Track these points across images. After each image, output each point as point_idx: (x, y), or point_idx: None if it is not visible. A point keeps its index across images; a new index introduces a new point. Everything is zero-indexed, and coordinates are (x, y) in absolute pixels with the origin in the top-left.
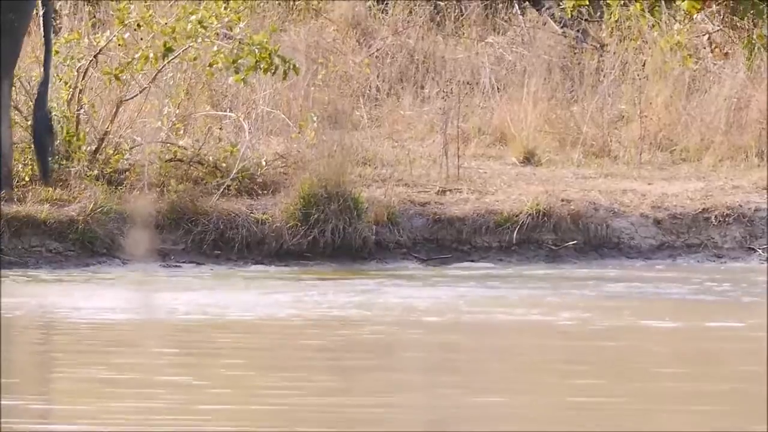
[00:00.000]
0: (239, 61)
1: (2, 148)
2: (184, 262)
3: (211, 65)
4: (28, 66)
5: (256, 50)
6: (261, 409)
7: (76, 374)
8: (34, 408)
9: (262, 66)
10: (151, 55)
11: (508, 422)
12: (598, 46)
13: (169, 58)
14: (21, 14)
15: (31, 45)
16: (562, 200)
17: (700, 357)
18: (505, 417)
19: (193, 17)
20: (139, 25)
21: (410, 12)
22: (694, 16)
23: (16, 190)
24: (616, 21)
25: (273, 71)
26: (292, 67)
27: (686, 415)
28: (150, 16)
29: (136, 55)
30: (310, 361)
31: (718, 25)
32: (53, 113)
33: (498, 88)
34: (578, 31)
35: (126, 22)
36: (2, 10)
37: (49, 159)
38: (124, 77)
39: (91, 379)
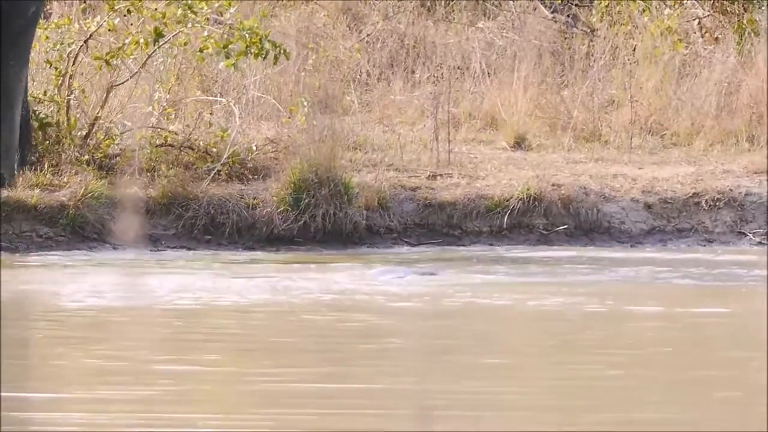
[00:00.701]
0: (230, 46)
1: (13, 137)
2: (174, 247)
3: (201, 50)
4: None
5: (247, 35)
6: (250, 395)
7: (63, 361)
8: (21, 396)
9: (252, 51)
10: (142, 40)
11: (499, 406)
12: (589, 30)
13: (160, 44)
14: (32, 7)
15: None
16: (553, 185)
17: (688, 341)
18: (496, 401)
19: (183, 1)
20: (129, 11)
21: None
22: (684, 1)
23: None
24: (607, 6)
25: (263, 56)
26: (282, 52)
27: (674, 399)
28: (140, 1)
29: (127, 41)
30: (300, 346)
31: (709, 10)
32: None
33: (488, 73)
34: (568, 16)
35: (116, 7)
36: (15, 6)
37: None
38: (115, 62)
39: (78, 366)
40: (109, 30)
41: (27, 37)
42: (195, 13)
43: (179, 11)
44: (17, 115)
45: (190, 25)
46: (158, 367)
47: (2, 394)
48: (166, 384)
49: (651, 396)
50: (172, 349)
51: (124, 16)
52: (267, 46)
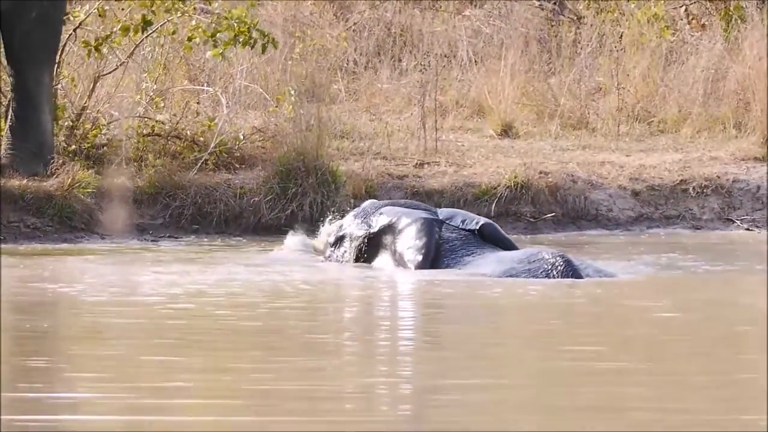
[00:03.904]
0: (217, 35)
1: (45, 136)
2: (162, 237)
3: (189, 39)
4: None
5: (235, 24)
6: (237, 384)
7: (47, 356)
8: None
9: (240, 40)
10: (133, 28)
11: (486, 393)
12: (575, 18)
13: (148, 32)
14: (54, 4)
15: None
16: (540, 172)
17: (681, 330)
18: (483, 389)
19: None
20: None
21: None
22: None
23: None
24: None
25: (251, 45)
26: (270, 41)
27: (660, 389)
28: None
29: (115, 28)
30: (285, 341)
31: None
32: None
33: (475, 61)
34: (555, 3)
35: None
36: (35, 3)
37: None
38: (104, 50)
39: (65, 361)
40: (99, 16)
41: (36, 39)
42: (183, 1)
43: (168, 1)
44: (44, 115)
45: (179, 14)
46: (141, 358)
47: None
48: (151, 374)
49: (635, 388)
50: (156, 343)
51: (115, 1)
52: (255, 35)
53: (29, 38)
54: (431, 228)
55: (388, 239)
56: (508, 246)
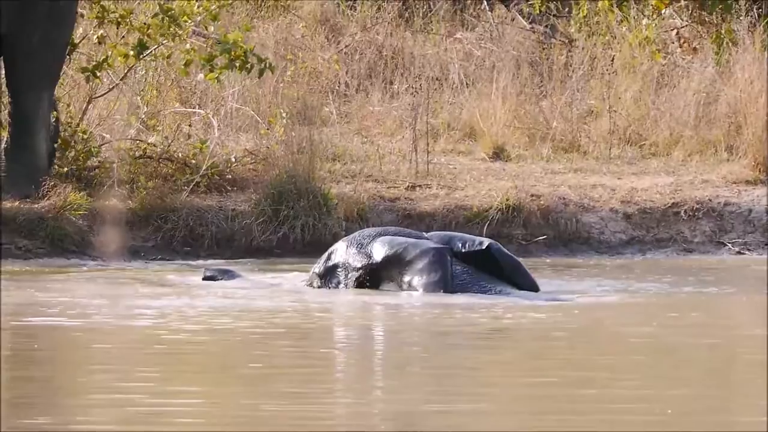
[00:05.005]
0: (214, 60)
1: (38, 160)
2: (153, 259)
3: (186, 64)
4: None
5: (231, 49)
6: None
7: (30, 378)
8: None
9: (236, 64)
10: (131, 52)
11: (476, 417)
12: (567, 41)
13: (143, 56)
14: (59, 26)
15: None
16: (532, 195)
17: (670, 352)
18: (473, 413)
19: (168, 15)
20: (118, 23)
21: (379, 8)
22: (663, 11)
23: None
24: (585, 16)
25: (248, 70)
26: (267, 66)
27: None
28: (130, 12)
29: (110, 53)
30: (274, 362)
31: (687, 20)
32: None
33: (467, 84)
34: (547, 26)
35: (107, 18)
36: (39, 23)
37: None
38: (101, 74)
39: (47, 386)
40: (98, 43)
41: (38, 63)
42: (179, 26)
43: (163, 24)
44: (39, 138)
45: (174, 38)
46: (129, 385)
47: None
48: (141, 399)
49: (626, 412)
50: (146, 364)
51: (116, 26)
52: (252, 60)
53: (30, 62)
54: (445, 259)
55: (393, 272)
56: (514, 264)
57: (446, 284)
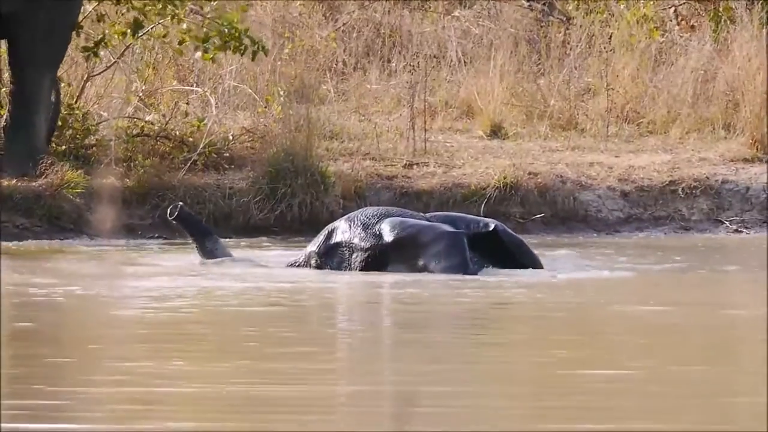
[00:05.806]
0: (209, 41)
1: (37, 140)
2: (151, 237)
3: (180, 43)
4: None
5: (226, 30)
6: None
7: (28, 358)
8: None
9: (231, 46)
10: (129, 31)
11: (470, 389)
12: (565, 19)
13: (139, 35)
14: (63, 12)
15: None
16: (530, 173)
17: (668, 332)
18: (467, 391)
19: None
20: (118, 1)
21: None
22: None
23: None
24: None
25: (242, 52)
26: (261, 48)
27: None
28: None
29: (107, 31)
30: (272, 345)
31: None
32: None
33: (465, 62)
34: (544, 4)
35: None
36: (42, 8)
37: None
38: (101, 53)
39: (44, 364)
40: (98, 20)
41: (42, 43)
42: (176, 6)
43: (160, 4)
44: (38, 118)
45: (170, 18)
46: (124, 365)
47: None
48: (138, 380)
49: (627, 392)
50: (142, 348)
51: (117, 4)
52: (246, 41)
53: (34, 42)
54: (462, 243)
55: (406, 254)
56: (519, 245)
57: (466, 268)
